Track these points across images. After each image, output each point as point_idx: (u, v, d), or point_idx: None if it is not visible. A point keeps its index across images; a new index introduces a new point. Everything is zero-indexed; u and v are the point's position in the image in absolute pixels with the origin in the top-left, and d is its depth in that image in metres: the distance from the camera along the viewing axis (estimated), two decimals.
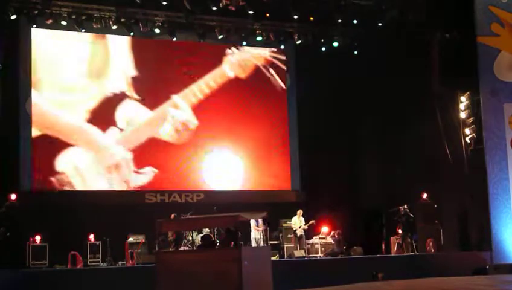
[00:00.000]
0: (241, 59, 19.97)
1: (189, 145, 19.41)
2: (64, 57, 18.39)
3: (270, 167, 20.58)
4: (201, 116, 19.59)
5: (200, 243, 13.57)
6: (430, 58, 17.73)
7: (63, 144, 18.08)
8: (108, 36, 18.72)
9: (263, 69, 20.61)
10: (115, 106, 18.71)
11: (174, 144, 19.21)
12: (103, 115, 18.56)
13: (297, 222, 18.15)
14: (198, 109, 19.57)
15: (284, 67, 20.66)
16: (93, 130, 18.32)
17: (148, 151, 18.88)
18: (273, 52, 20.23)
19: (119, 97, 18.77)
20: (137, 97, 18.74)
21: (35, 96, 17.88)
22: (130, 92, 18.77)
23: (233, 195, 19.30)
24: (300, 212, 18.23)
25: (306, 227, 18.12)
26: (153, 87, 19.11)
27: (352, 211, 18.69)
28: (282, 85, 20.87)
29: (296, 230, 18.10)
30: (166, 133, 19.02)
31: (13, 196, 16.14)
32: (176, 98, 19.33)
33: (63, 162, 17.91)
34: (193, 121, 19.35)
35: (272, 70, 20.81)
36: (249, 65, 20.07)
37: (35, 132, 17.81)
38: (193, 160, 19.44)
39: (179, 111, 19.23)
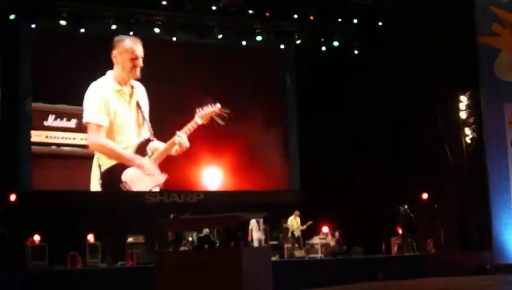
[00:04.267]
0: None
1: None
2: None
3: (270, 167, 20.57)
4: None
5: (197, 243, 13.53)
6: (430, 58, 17.69)
7: None
8: None
9: (263, 69, 20.65)
10: None
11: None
12: None
13: (294, 223, 18.15)
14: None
15: None
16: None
17: None
18: None
19: None
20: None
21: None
22: None
23: (233, 195, 19.28)
24: (296, 213, 18.22)
25: (304, 228, 18.12)
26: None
27: (352, 211, 18.66)
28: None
29: (293, 231, 18.10)
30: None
31: (13, 196, 16.14)
32: None
33: None
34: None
35: (271, 70, 20.89)
36: None
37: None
38: (191, 159, 19.41)
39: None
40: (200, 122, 18.57)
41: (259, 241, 16.74)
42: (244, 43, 19.70)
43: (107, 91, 18.09)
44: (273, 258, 15.39)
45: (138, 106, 18.55)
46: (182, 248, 15.25)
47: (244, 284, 10.15)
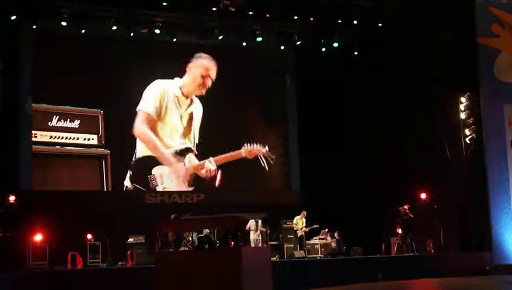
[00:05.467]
0: None
1: None
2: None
3: (270, 167, 20.57)
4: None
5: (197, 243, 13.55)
6: (430, 58, 17.71)
7: None
8: None
9: (263, 70, 20.67)
10: None
11: None
12: None
13: (300, 223, 18.15)
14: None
15: None
16: None
17: None
18: None
19: None
20: None
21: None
22: None
23: (233, 195, 19.30)
24: (304, 213, 18.23)
25: (307, 230, 18.13)
26: None
27: (352, 211, 18.68)
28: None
29: (297, 230, 18.11)
30: None
31: (13, 197, 16.17)
32: None
33: None
34: None
35: (271, 71, 20.93)
36: None
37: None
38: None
39: None
40: (243, 155, 19.52)
41: (256, 242, 16.75)
42: (244, 44, 19.71)
43: (168, 91, 19.00)
44: (273, 259, 15.40)
45: (191, 118, 19.31)
46: (182, 248, 15.31)
47: (244, 284, 10.17)
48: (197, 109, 19.44)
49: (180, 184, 19.14)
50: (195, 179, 19.34)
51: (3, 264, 14.40)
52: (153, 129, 18.78)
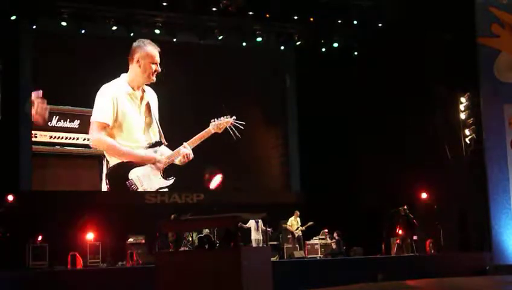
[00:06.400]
0: None
1: None
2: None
3: (269, 167, 20.59)
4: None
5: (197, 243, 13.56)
6: (430, 58, 17.72)
7: None
8: None
9: (263, 70, 20.67)
10: None
11: None
12: None
13: (294, 223, 18.17)
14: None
15: None
16: None
17: None
18: None
19: None
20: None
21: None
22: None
23: (233, 195, 19.31)
24: (297, 213, 18.24)
25: (304, 229, 18.14)
26: None
27: (352, 211, 18.69)
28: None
29: (293, 231, 18.12)
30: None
31: (12, 197, 16.17)
32: None
33: None
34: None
35: (271, 71, 20.93)
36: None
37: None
38: (192, 160, 19.42)
39: None
40: (213, 131, 18.81)
41: (257, 241, 16.77)
42: (244, 44, 19.72)
43: (119, 93, 18.20)
44: (273, 259, 15.41)
45: (148, 108, 18.69)
46: (182, 248, 15.32)
47: (244, 284, 10.17)
48: (152, 97, 18.76)
49: (160, 180, 18.76)
50: (171, 169, 18.86)
51: (3, 264, 14.40)
52: (113, 135, 18.10)
